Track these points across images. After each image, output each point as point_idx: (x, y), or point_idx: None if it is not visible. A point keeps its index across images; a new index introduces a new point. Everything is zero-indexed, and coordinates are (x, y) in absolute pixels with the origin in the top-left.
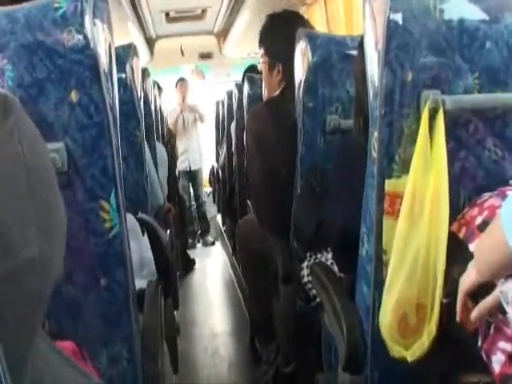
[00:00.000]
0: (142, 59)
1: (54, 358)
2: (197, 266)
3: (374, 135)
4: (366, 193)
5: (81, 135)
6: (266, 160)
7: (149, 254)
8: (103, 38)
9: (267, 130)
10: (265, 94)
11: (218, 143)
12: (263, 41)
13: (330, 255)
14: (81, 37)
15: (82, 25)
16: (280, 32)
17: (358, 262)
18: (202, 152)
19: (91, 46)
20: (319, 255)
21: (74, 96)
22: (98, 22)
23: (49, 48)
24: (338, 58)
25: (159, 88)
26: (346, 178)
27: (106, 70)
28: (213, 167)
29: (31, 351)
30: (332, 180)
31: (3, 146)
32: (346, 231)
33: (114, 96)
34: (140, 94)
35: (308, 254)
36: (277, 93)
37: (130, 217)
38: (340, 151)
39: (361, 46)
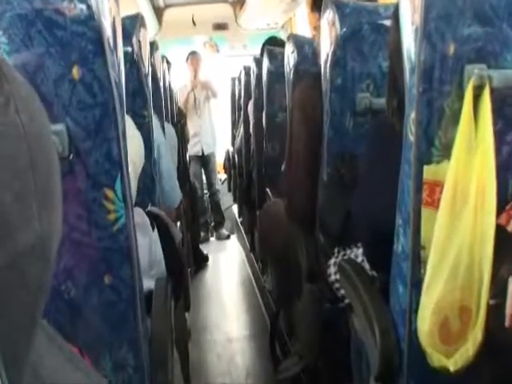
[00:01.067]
0: (149, 31)
1: (53, 350)
2: (210, 262)
3: (411, 116)
4: (401, 181)
5: (83, 116)
6: (311, 139)
7: (159, 253)
8: (108, 8)
9: (316, 105)
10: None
11: (234, 124)
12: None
13: (360, 251)
14: (84, 6)
15: None
16: None
17: (392, 258)
18: (215, 134)
19: (95, 16)
20: (348, 251)
21: (75, 72)
22: None
23: (48, 18)
24: (370, 28)
25: (168, 63)
26: (378, 165)
27: (112, 44)
28: (228, 151)
29: (31, 345)
30: (362, 167)
31: None
32: (379, 224)
33: (120, 73)
34: (148, 69)
35: (336, 250)
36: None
37: (138, 210)
38: (371, 134)
39: (395, 15)
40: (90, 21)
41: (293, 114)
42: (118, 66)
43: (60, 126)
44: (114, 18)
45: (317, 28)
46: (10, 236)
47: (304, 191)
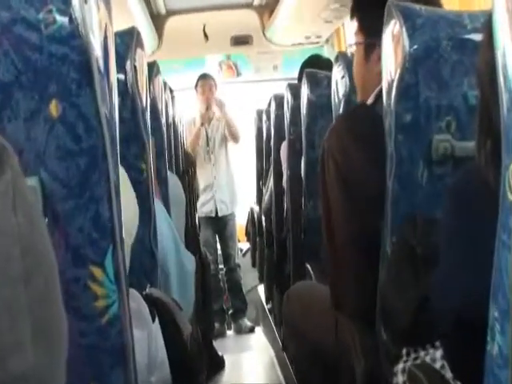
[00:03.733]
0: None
1: None
2: (227, 365)
3: (511, 168)
4: (497, 256)
5: (63, 167)
6: (354, 203)
7: (161, 352)
8: (97, 21)
9: (357, 157)
10: (358, 95)
11: (260, 175)
12: (358, 9)
13: (438, 353)
14: (65, 19)
15: (67, 1)
16: None
17: (484, 364)
18: (234, 188)
19: (80, 32)
20: (422, 353)
21: (54, 108)
22: None
23: (17, 36)
24: (451, 45)
25: (171, 92)
26: (464, 233)
27: (102, 69)
28: (252, 212)
29: None
30: (443, 235)
31: None
32: (466, 316)
33: (112, 107)
34: (146, 102)
35: (404, 351)
36: (375, 92)
37: (134, 293)
38: (454, 191)
39: (487, 27)
40: (74, 39)
41: (325, 166)
42: (111, 99)
43: (32, 181)
44: (105, 33)
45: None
46: None
47: (352, 274)
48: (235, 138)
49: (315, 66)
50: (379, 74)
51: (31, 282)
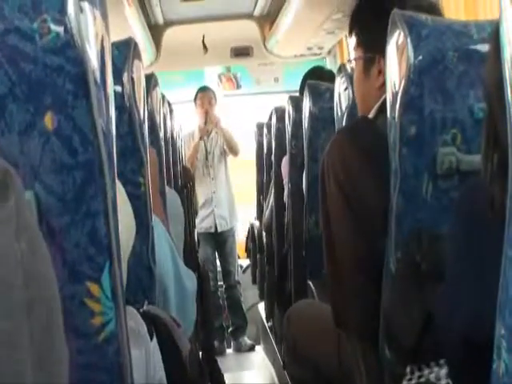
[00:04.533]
0: (144, 58)
1: None
2: (227, 383)
3: None
4: (504, 274)
5: (59, 181)
6: (357, 221)
7: (159, 371)
8: (94, 31)
9: (359, 172)
10: (359, 110)
11: (261, 190)
12: (356, 23)
13: (443, 371)
14: (60, 29)
15: (62, 11)
16: (384, 9)
17: (491, 382)
18: (234, 203)
19: (76, 43)
20: (426, 371)
21: (49, 121)
22: (86, 6)
23: (11, 47)
24: (457, 57)
25: (169, 105)
26: (469, 250)
27: (99, 81)
28: (252, 227)
29: None
30: (448, 252)
31: None
32: (472, 334)
33: (109, 120)
34: (143, 116)
35: (408, 370)
36: (376, 107)
37: (131, 311)
38: (460, 206)
39: (495, 38)
40: (70, 49)
41: (326, 181)
42: (107, 111)
43: (26, 195)
44: (101, 44)
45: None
46: None
47: (353, 291)
48: (234, 152)
49: (318, 78)
50: (380, 88)
51: (34, 312)
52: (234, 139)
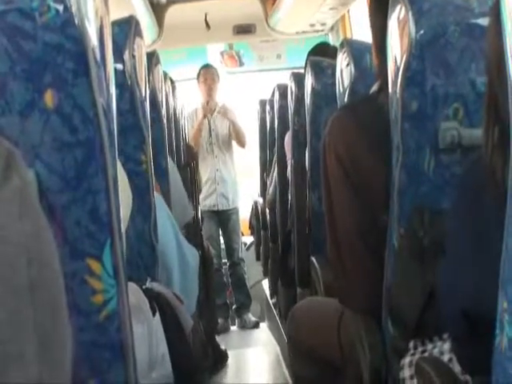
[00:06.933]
0: (146, 37)
1: None
2: (230, 361)
3: None
4: (505, 248)
5: (59, 158)
6: (358, 196)
7: (162, 347)
8: (93, 9)
9: (359, 148)
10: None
11: (264, 167)
12: None
13: (446, 346)
14: (60, 7)
15: None
16: None
17: (493, 357)
18: (237, 181)
19: (76, 21)
20: (429, 346)
21: (49, 99)
22: None
23: (11, 25)
24: (459, 31)
25: (172, 82)
26: (471, 225)
27: (99, 58)
28: (255, 204)
29: None
30: (449, 228)
31: None
32: (474, 309)
33: (109, 98)
34: (145, 94)
35: (411, 345)
36: (373, 88)
37: (133, 287)
38: (462, 181)
39: (495, 12)
40: (69, 27)
41: (327, 158)
42: (108, 89)
43: (28, 173)
44: (101, 22)
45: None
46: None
47: (355, 266)
48: (242, 144)
49: (323, 55)
50: (376, 68)
51: (37, 292)
52: (242, 131)
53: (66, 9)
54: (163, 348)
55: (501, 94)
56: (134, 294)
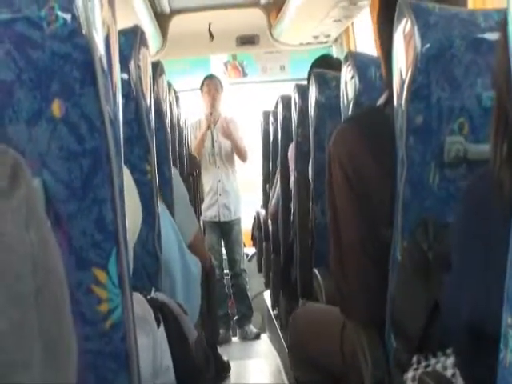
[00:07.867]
0: (150, 47)
1: None
2: (233, 372)
3: None
4: (510, 264)
5: (66, 168)
6: (362, 209)
7: (166, 358)
8: (101, 18)
9: (364, 160)
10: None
11: (267, 178)
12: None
13: (449, 361)
14: (68, 17)
15: None
16: None
17: (498, 373)
18: (239, 192)
19: (83, 30)
20: (432, 360)
21: (56, 108)
22: None
23: (19, 34)
24: (465, 45)
25: (175, 93)
26: (477, 240)
27: (106, 68)
28: (258, 216)
29: None
30: (454, 242)
31: (4, 227)
32: (478, 324)
33: (116, 107)
34: (150, 104)
35: (415, 359)
36: (381, 100)
37: (138, 297)
38: (467, 196)
39: (503, 26)
40: (77, 37)
41: (332, 170)
42: (115, 99)
43: (34, 182)
44: (108, 31)
45: (383, 43)
46: (4, 373)
47: (358, 279)
48: (243, 159)
49: (326, 66)
50: (384, 81)
51: (42, 300)
52: (243, 147)
53: (74, 18)
54: (167, 360)
55: (510, 108)
56: (140, 304)
